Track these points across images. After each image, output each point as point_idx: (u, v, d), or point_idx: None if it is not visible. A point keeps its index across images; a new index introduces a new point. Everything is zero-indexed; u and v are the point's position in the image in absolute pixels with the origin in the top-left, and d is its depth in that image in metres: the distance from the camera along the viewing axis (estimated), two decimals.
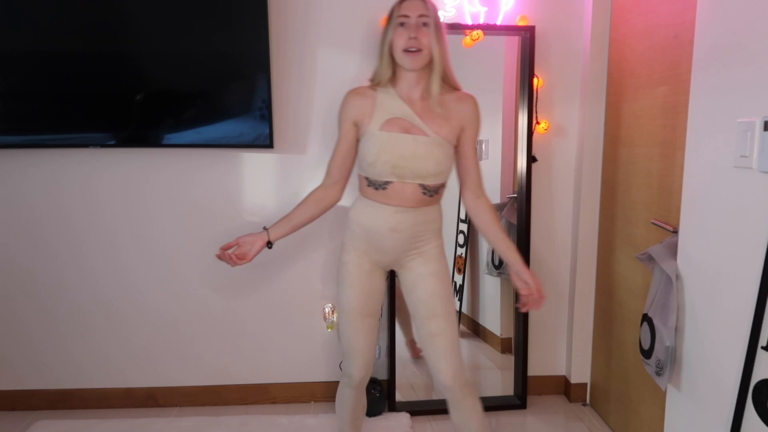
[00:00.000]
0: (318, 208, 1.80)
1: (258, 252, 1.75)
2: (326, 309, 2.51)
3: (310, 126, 2.44)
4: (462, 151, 1.75)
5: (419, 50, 1.62)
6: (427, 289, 1.74)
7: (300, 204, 1.79)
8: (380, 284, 1.80)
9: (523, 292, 1.73)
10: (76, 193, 2.43)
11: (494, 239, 1.78)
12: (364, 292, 1.76)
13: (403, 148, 1.64)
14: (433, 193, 1.71)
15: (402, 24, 1.64)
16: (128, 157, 2.42)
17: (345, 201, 1.83)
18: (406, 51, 1.63)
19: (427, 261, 1.75)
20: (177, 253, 2.49)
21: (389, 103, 1.68)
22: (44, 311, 2.50)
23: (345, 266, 1.77)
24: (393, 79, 1.71)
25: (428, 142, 1.65)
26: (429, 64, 1.67)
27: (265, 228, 1.76)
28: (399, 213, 1.69)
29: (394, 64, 1.69)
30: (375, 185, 1.69)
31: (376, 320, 1.82)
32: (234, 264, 1.74)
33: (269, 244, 1.76)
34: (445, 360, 1.73)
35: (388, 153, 1.64)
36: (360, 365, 1.81)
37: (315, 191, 1.80)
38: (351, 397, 1.90)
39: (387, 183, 1.67)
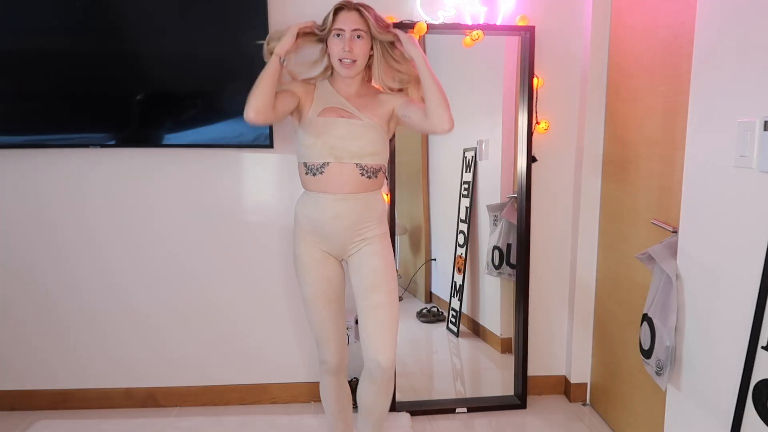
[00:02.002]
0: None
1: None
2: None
3: None
4: (412, 107, 1.80)
5: (354, 61, 1.78)
6: (370, 265, 1.81)
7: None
8: (336, 271, 1.88)
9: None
10: (76, 192, 2.43)
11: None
12: (321, 279, 1.85)
13: (339, 129, 1.78)
14: (371, 174, 1.80)
15: (338, 35, 1.77)
16: (128, 157, 2.42)
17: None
18: (341, 61, 1.78)
19: (371, 244, 1.83)
20: (177, 253, 2.49)
21: (326, 95, 1.84)
22: (45, 311, 2.50)
23: (298, 258, 1.87)
24: (331, 76, 1.88)
25: (362, 125, 1.79)
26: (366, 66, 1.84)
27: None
28: (340, 201, 1.78)
29: (331, 65, 1.84)
30: (313, 170, 1.78)
31: (341, 305, 1.91)
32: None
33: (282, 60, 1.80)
34: (384, 334, 1.76)
35: (326, 134, 1.77)
36: (334, 349, 1.90)
37: None
38: (332, 384, 1.96)
39: (325, 165, 1.76)
